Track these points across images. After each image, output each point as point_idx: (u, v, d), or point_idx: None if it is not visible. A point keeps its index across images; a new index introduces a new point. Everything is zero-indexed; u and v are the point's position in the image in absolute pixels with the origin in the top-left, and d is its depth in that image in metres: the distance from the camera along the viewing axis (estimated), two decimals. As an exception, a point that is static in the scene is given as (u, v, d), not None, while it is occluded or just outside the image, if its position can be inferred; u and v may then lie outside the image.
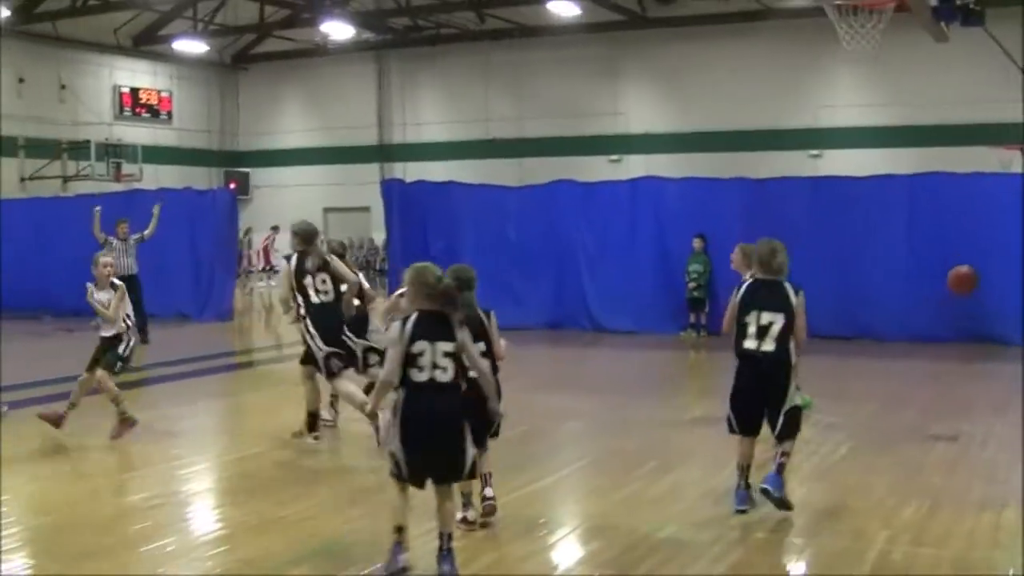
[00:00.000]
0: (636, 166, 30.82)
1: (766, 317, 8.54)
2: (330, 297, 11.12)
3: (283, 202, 40.96)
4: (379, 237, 34.63)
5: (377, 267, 36.82)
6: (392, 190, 24.03)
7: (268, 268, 38.14)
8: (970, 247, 18.97)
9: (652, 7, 33.48)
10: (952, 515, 8.59)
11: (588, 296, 21.61)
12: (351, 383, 11.14)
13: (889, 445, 11.30)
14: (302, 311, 11.06)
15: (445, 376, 6.92)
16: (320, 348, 10.97)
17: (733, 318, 8.74)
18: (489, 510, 8.20)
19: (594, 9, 32.24)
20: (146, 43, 38.61)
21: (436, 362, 6.91)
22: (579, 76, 35.74)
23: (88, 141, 35.31)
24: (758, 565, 7.53)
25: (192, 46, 37.59)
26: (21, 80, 35.43)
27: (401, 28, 37.45)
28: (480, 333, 7.78)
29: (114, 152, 36.09)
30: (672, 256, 20.73)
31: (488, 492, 8.19)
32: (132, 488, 9.90)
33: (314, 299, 11.04)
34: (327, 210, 40.39)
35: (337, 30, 35.34)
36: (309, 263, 11.11)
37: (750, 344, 8.57)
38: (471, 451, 7.17)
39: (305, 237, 11.30)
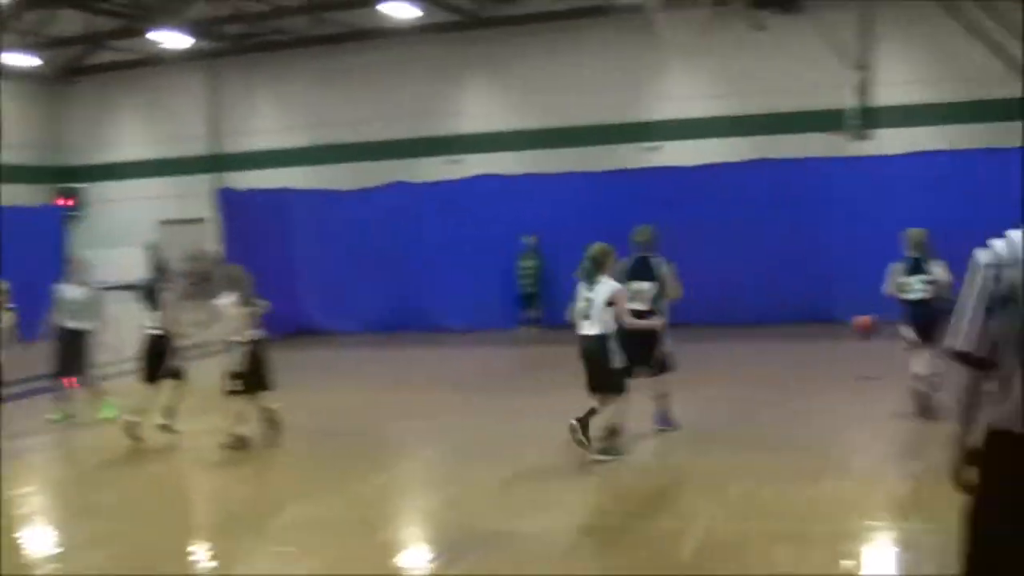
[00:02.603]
0: (476, 165, 30.64)
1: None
2: None
3: (119, 217, 40.06)
4: (215, 248, 33.93)
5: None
6: (227, 199, 23.57)
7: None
8: (802, 229, 19.44)
9: (489, 7, 33.40)
10: (775, 490, 8.65)
11: (426, 295, 21.46)
12: None
13: (720, 426, 11.37)
14: None
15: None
16: None
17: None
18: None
19: (431, 10, 32.06)
20: (-36, 56, 37.41)
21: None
22: (417, 77, 35.53)
23: None
24: (585, 549, 7.47)
25: (17, 59, 36.45)
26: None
27: (235, 35, 36.82)
28: None
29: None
30: (508, 253, 20.71)
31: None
32: None
33: None
34: (164, 223, 39.55)
35: (169, 39, 34.57)
36: None
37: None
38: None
39: None
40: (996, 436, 4.03)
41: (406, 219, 21.86)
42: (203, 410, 12.00)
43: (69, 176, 41.63)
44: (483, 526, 8.06)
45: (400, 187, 22.54)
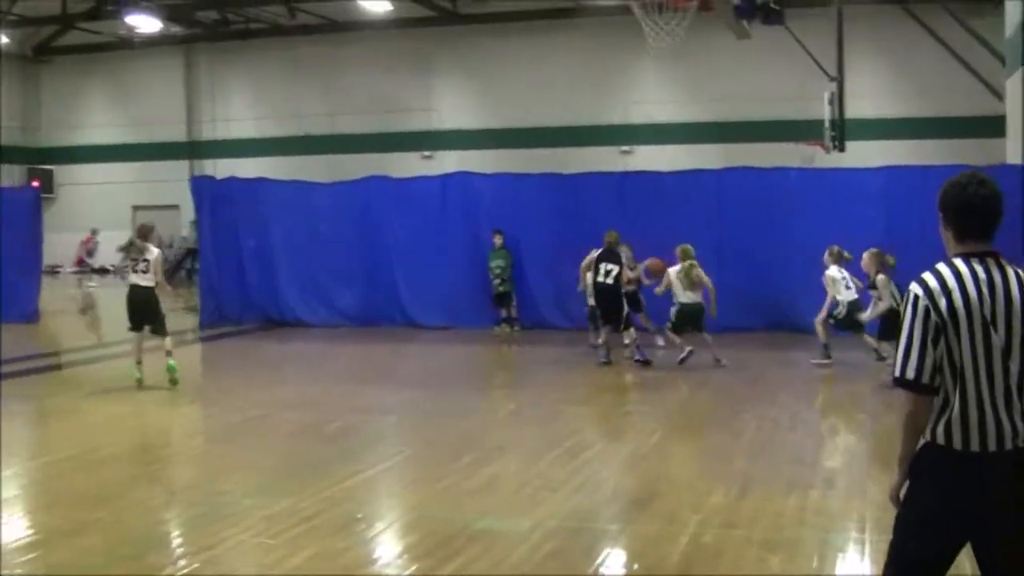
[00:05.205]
0: (449, 162, 30.82)
1: None
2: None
3: (90, 200, 39.89)
4: (190, 235, 33.82)
5: (189, 266, 35.95)
6: (202, 187, 23.60)
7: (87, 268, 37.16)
8: (775, 239, 19.63)
9: (463, 3, 33.53)
10: (760, 498, 8.82)
11: (401, 292, 21.54)
12: None
13: (698, 432, 11.55)
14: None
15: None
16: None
17: None
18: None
19: (405, 5, 32.16)
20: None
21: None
22: (391, 72, 35.60)
23: None
24: (573, 552, 7.58)
25: (-13, 38, 36.15)
26: None
27: (210, 22, 36.76)
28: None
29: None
30: (483, 251, 20.81)
31: None
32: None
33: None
34: (136, 208, 39.41)
35: (143, 23, 34.46)
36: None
37: None
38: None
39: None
40: (933, 450, 4.36)
41: (382, 214, 21.95)
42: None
43: (41, 158, 41.31)
44: (468, 525, 8.19)
45: (375, 182, 22.60)
